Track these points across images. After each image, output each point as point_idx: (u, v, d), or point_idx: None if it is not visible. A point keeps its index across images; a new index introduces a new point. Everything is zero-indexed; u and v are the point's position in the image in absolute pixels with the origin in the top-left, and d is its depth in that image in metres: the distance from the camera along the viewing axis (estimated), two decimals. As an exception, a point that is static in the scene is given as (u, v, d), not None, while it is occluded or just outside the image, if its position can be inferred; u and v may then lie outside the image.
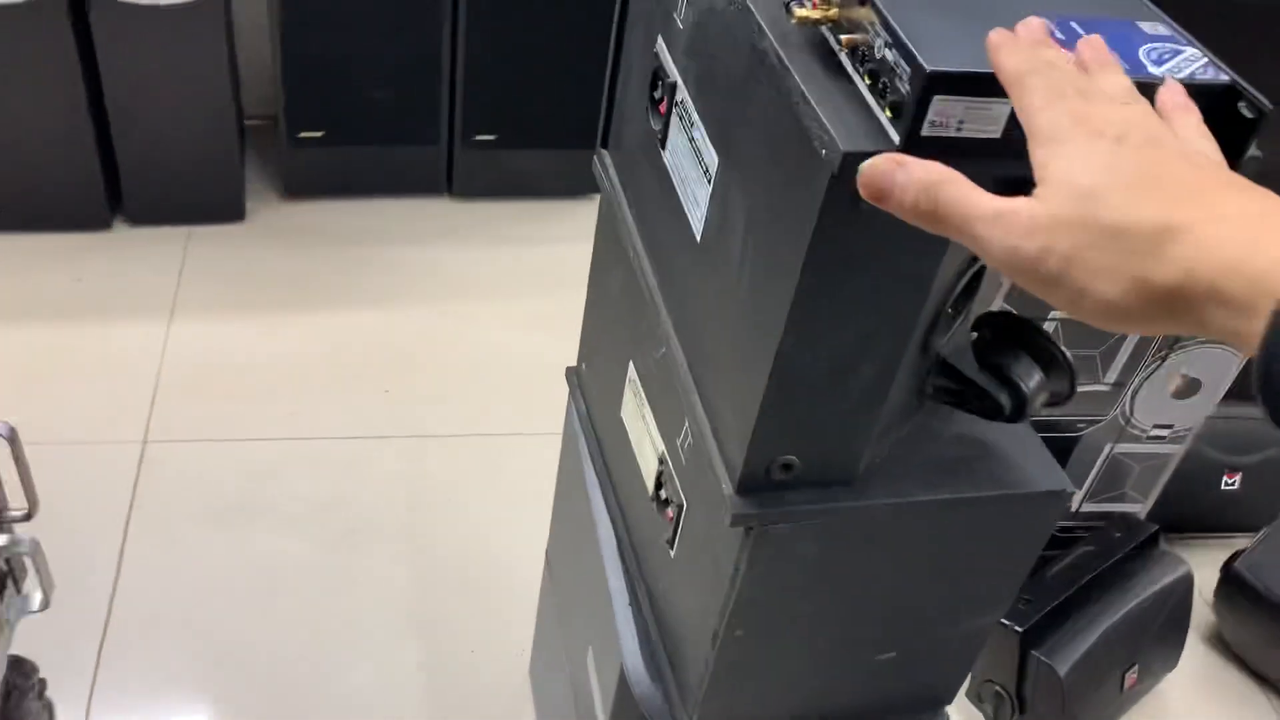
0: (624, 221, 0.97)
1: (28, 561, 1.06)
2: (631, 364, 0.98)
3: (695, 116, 0.79)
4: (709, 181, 0.77)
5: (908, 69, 0.55)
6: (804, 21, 0.62)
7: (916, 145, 0.55)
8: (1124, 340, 1.49)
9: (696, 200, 0.79)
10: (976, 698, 1.56)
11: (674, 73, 0.82)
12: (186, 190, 2.25)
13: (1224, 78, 0.56)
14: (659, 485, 0.93)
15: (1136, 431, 1.61)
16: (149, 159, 2.19)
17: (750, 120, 0.70)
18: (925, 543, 0.84)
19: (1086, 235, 0.45)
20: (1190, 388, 1.57)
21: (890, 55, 0.56)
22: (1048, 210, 0.46)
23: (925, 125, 0.55)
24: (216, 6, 2.03)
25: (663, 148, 0.85)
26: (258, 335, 2.09)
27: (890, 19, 0.56)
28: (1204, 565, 1.70)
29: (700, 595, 0.88)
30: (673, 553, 0.93)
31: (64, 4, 1.94)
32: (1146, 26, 0.60)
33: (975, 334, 0.80)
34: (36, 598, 1.07)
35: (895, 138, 0.57)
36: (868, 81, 0.59)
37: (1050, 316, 1.35)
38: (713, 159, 0.76)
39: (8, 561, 1.04)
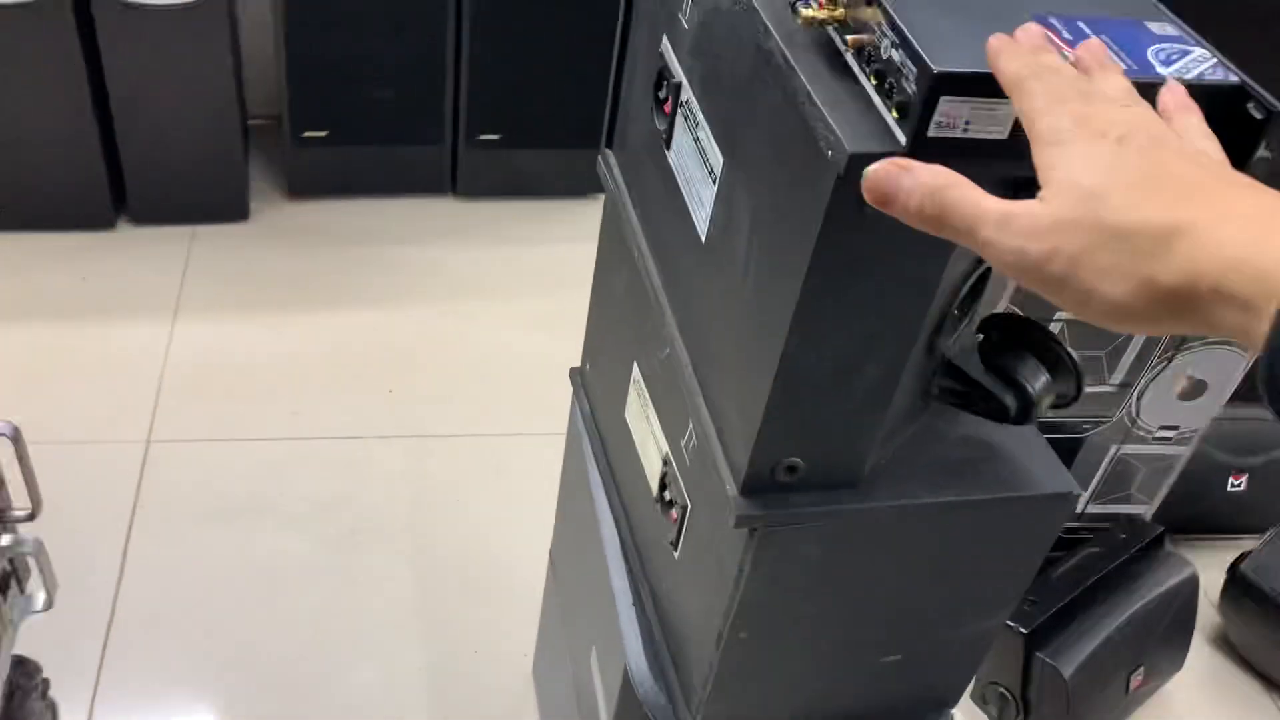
0: (628, 222, 0.97)
1: (31, 561, 1.06)
2: (636, 364, 0.98)
3: (700, 117, 0.78)
4: (714, 182, 0.77)
5: (914, 69, 0.54)
6: (810, 22, 0.62)
7: (923, 146, 0.55)
8: (1130, 341, 1.49)
9: (701, 201, 0.79)
10: (981, 699, 1.56)
11: (679, 73, 0.82)
12: (190, 190, 2.25)
13: (1233, 78, 0.56)
14: (663, 486, 0.93)
15: (1142, 433, 1.60)
16: (153, 158, 2.19)
17: (755, 121, 0.70)
18: (930, 545, 0.84)
19: (1092, 237, 0.45)
20: (1196, 389, 1.57)
21: (897, 56, 0.56)
22: (1052, 213, 0.46)
23: (932, 126, 0.55)
24: (220, 6, 2.03)
25: (667, 148, 0.85)
26: (261, 335, 2.09)
27: (897, 19, 0.56)
28: (1210, 567, 1.69)
29: (704, 596, 0.88)
30: (676, 554, 0.92)
31: (68, 4, 1.94)
32: (1155, 27, 0.60)
33: (981, 336, 0.80)
34: (40, 598, 1.07)
35: (901, 139, 0.56)
36: (874, 82, 0.59)
37: (1056, 318, 1.35)
38: (718, 159, 0.76)
39: (11, 561, 1.04)
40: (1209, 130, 0.51)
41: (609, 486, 1.10)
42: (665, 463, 0.92)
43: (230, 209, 2.31)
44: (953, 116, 0.55)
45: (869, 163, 0.52)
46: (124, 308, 2.10)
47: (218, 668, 1.56)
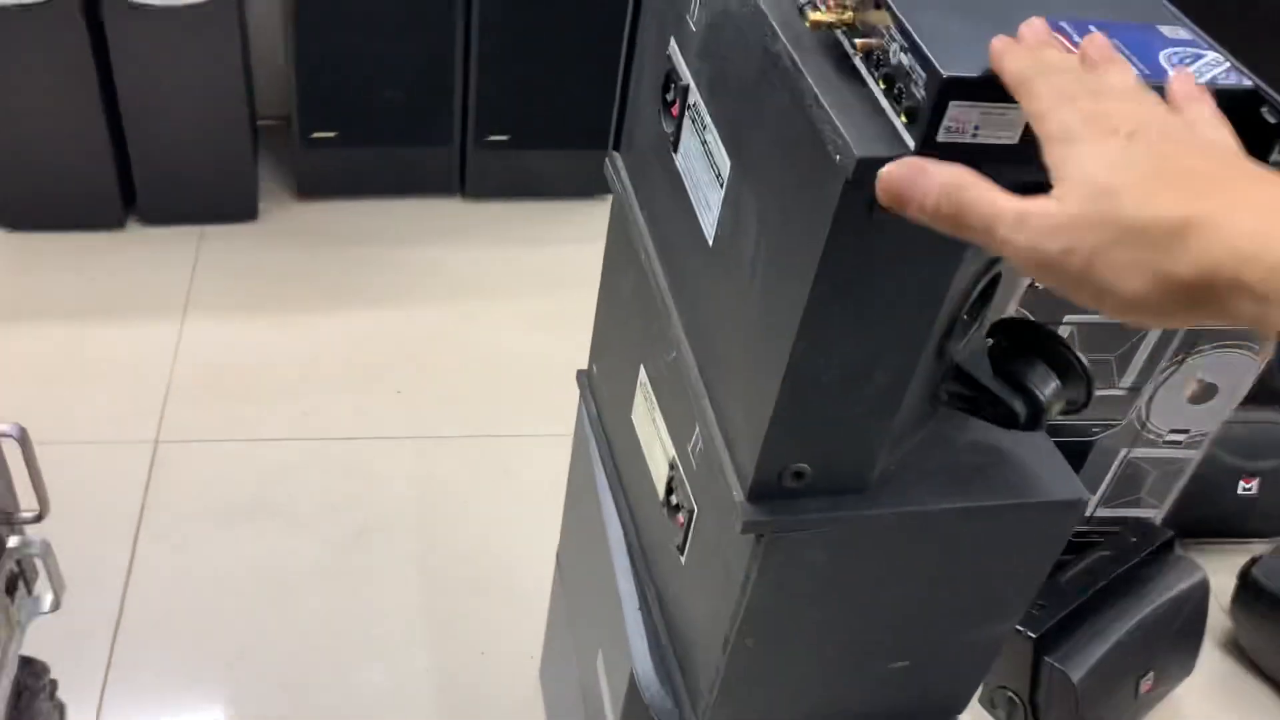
0: (635, 224, 0.96)
1: (39, 562, 1.06)
2: (642, 367, 0.98)
3: (708, 119, 0.78)
4: (721, 185, 0.76)
5: (923, 74, 0.54)
6: (818, 24, 0.61)
7: (932, 151, 0.55)
8: (1140, 344, 1.48)
9: (708, 203, 0.79)
10: (989, 704, 1.55)
11: (686, 75, 0.81)
12: (200, 190, 2.26)
13: (1246, 82, 0.56)
14: (670, 490, 0.92)
15: (1152, 436, 1.60)
16: (162, 159, 2.19)
17: (763, 124, 0.70)
18: (938, 551, 0.83)
19: (1107, 232, 0.45)
20: (1207, 392, 1.56)
21: (906, 59, 0.55)
22: (1067, 210, 0.46)
23: (941, 131, 0.54)
24: (230, 7, 2.03)
25: (675, 150, 0.85)
26: (270, 335, 2.10)
27: (906, 23, 0.55)
28: (1220, 571, 1.68)
29: (711, 601, 0.87)
30: (683, 558, 0.92)
31: (78, 5, 1.94)
32: (1167, 30, 0.59)
33: (990, 340, 0.79)
34: (48, 599, 1.08)
35: (910, 143, 0.56)
36: (883, 86, 0.58)
37: (1066, 321, 1.34)
38: (725, 162, 0.75)
39: (19, 563, 1.04)
40: (1221, 118, 0.50)
41: (616, 489, 1.10)
42: (672, 466, 0.92)
43: (239, 209, 2.31)
44: (962, 121, 0.54)
45: (877, 167, 0.52)
46: (133, 308, 2.11)
47: (225, 668, 1.56)
